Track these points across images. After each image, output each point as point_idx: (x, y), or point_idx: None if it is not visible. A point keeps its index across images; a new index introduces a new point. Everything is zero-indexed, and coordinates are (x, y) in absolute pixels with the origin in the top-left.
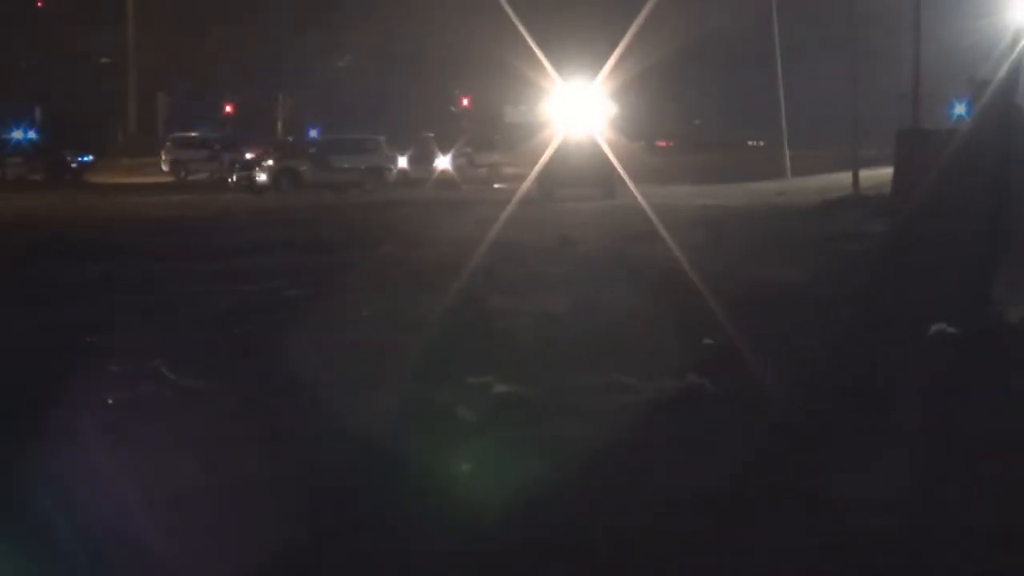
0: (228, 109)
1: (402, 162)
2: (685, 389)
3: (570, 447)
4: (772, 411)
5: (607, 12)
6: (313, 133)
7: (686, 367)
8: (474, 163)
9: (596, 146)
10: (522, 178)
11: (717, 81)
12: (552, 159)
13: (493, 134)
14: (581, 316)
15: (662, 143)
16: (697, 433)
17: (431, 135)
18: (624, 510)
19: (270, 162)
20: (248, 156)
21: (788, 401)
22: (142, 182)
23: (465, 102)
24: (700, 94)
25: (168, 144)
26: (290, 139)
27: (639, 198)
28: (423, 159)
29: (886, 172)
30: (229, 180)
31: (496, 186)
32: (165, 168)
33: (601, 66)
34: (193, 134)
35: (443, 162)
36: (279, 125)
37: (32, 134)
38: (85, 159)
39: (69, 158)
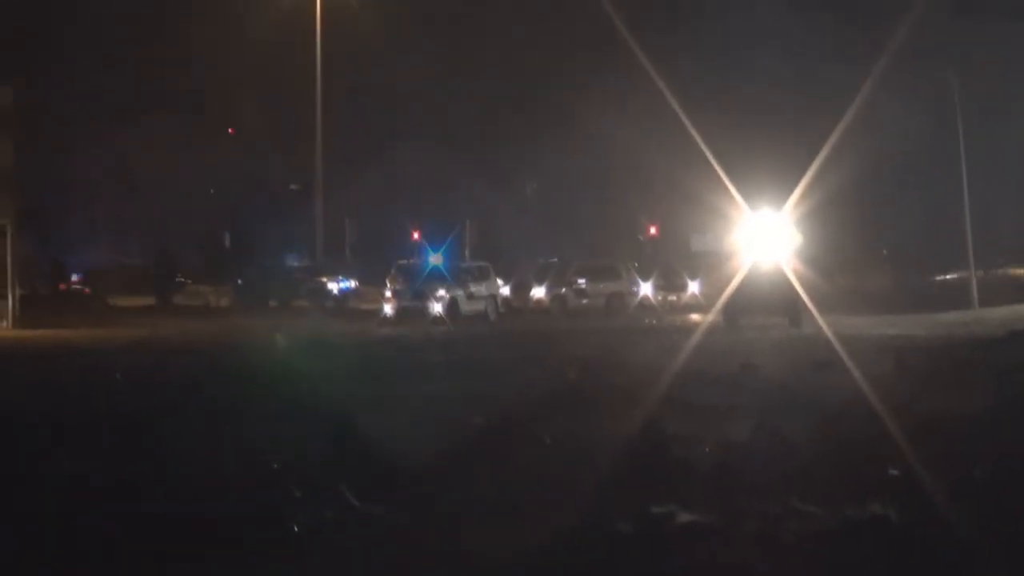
0: (415, 235)
1: (505, 290)
2: (868, 519)
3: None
4: (956, 546)
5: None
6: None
7: (869, 497)
8: (585, 293)
9: (782, 275)
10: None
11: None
12: (738, 287)
13: (619, 263)
14: (762, 443)
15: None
16: (880, 566)
17: (550, 261)
18: None
19: (441, 292)
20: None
21: (974, 538)
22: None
23: (652, 230)
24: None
25: (393, 271)
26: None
27: (824, 327)
28: (523, 286)
29: None
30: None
31: (693, 317)
32: (388, 294)
33: (787, 194)
34: (414, 261)
35: (539, 291)
36: (466, 252)
37: (295, 260)
38: (346, 285)
39: (332, 285)
